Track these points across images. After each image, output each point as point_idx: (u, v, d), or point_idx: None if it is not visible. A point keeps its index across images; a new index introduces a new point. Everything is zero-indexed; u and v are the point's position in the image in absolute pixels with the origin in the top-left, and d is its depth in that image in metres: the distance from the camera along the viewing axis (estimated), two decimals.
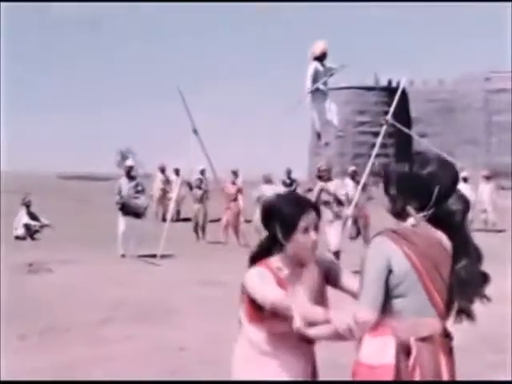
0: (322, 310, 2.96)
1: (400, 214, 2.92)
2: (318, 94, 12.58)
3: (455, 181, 2.89)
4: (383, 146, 14.86)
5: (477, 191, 22.42)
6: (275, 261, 3.23)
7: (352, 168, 18.52)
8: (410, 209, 2.86)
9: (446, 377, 2.80)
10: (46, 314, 8.40)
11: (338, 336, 2.83)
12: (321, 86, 12.53)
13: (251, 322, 3.26)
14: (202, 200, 18.46)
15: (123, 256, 14.16)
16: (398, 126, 15.06)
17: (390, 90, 49.64)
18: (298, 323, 2.87)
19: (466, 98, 51.56)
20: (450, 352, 2.88)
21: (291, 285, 3.14)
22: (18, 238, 17.25)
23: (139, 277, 11.53)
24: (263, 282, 3.12)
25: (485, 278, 2.94)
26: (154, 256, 13.64)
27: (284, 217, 3.14)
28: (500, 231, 20.85)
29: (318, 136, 13.15)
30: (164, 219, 22.15)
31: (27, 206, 18.10)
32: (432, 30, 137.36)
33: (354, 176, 17.49)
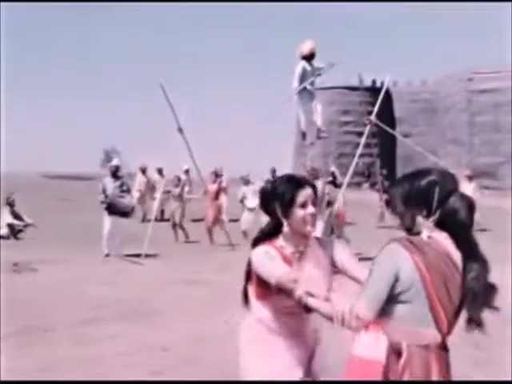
0: (326, 288, 3.15)
1: (411, 229, 2.99)
2: (305, 94, 12.58)
3: (455, 185, 2.97)
4: (367, 145, 14.89)
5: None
6: (279, 241, 3.37)
7: (332, 168, 18.62)
8: (419, 218, 2.93)
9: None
10: (30, 313, 8.39)
11: (331, 317, 2.94)
12: (308, 86, 12.55)
13: (258, 300, 3.40)
14: (180, 198, 18.36)
15: (107, 255, 14.11)
16: (382, 125, 15.11)
17: (374, 91, 49.69)
18: (299, 291, 3.02)
19: (449, 99, 51.75)
20: (444, 364, 2.91)
21: (295, 261, 3.30)
22: (1, 237, 17.10)
23: (123, 276, 11.53)
24: (269, 259, 3.25)
25: (493, 289, 2.94)
26: (138, 256, 13.66)
27: (282, 194, 3.31)
28: (483, 230, 20.97)
29: (303, 136, 13.14)
30: (144, 219, 22.17)
31: (11, 205, 18.03)
32: (415, 31, 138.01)
33: (334, 176, 17.60)
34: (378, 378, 2.82)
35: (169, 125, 14.67)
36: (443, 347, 2.92)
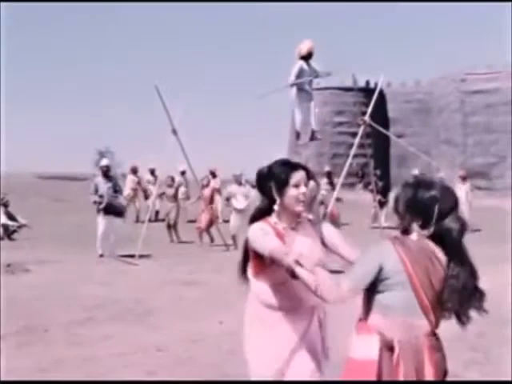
0: (314, 262, 3.26)
1: (406, 230, 3.24)
2: (303, 94, 12.56)
3: (454, 204, 3.22)
4: (361, 146, 14.93)
5: None
6: (272, 218, 3.68)
7: (327, 169, 18.65)
8: (415, 226, 3.20)
9: (429, 372, 3.09)
10: (24, 314, 8.39)
11: (311, 286, 3.20)
12: (306, 87, 12.54)
13: (255, 275, 3.70)
14: (174, 199, 18.35)
15: (102, 256, 14.12)
16: (376, 126, 15.16)
17: (367, 91, 49.74)
18: (289, 259, 3.27)
19: (443, 99, 51.83)
20: (435, 349, 3.16)
21: (288, 236, 3.58)
22: None
23: (118, 277, 11.54)
24: (263, 233, 3.56)
25: (481, 294, 3.21)
26: (132, 256, 13.69)
27: (278, 174, 3.64)
28: (476, 231, 21.06)
29: (297, 135, 13.14)
30: (138, 220, 22.20)
31: (5, 205, 18.05)
32: (409, 32, 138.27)
33: (330, 176, 17.63)
34: (373, 376, 3.04)
35: (164, 126, 14.69)
36: (433, 334, 3.18)
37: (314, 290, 3.16)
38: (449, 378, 5.97)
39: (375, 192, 17.49)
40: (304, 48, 12.44)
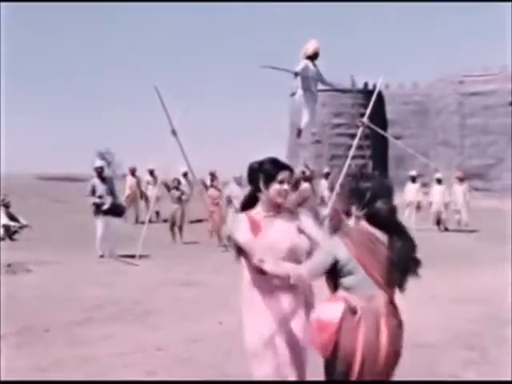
0: (287, 246, 4.18)
1: (348, 213, 3.95)
2: (308, 95, 12.52)
3: (386, 192, 3.93)
4: (360, 147, 14.97)
5: (451, 192, 22.76)
6: (257, 207, 4.35)
7: (326, 170, 18.70)
8: (353, 209, 3.90)
9: (384, 334, 3.68)
10: (25, 314, 8.42)
11: (281, 276, 3.98)
12: (312, 87, 12.50)
13: (245, 256, 4.24)
14: (179, 201, 18.43)
15: (102, 256, 14.17)
16: (374, 127, 15.16)
17: (366, 93, 49.84)
18: (254, 259, 4.00)
19: (441, 101, 51.86)
20: (392, 315, 3.78)
21: (266, 223, 4.26)
22: None
23: (118, 277, 11.56)
24: (239, 227, 4.25)
25: (417, 262, 3.86)
26: (132, 256, 13.73)
27: (266, 170, 4.28)
28: (473, 231, 21.13)
29: (299, 133, 13.09)
30: (137, 221, 22.25)
31: (6, 206, 18.11)
32: (408, 34, 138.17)
33: (328, 177, 17.67)
34: (333, 333, 3.67)
35: (164, 127, 14.69)
36: (391, 303, 3.80)
37: (285, 277, 3.91)
38: (447, 378, 6.04)
39: None
40: (310, 48, 12.39)
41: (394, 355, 3.77)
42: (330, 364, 3.78)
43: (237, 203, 16.36)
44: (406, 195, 23.01)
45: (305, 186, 12.58)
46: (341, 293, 3.79)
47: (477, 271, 11.90)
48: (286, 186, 4.27)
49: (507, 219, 21.23)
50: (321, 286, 4.10)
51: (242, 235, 4.19)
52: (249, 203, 4.41)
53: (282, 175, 4.26)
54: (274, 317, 4.21)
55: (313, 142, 13.02)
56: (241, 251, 4.23)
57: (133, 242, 14.50)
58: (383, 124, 47.39)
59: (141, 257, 13.63)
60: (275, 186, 4.24)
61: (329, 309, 3.76)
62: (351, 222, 3.92)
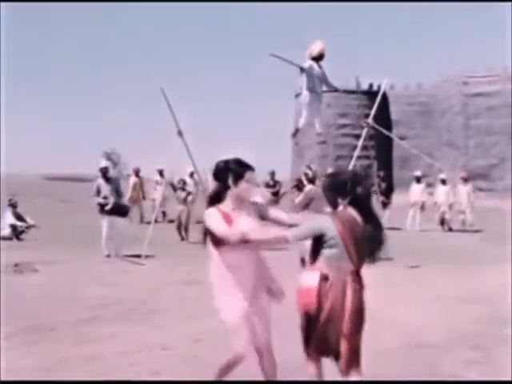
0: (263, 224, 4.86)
1: (334, 204, 4.76)
2: (313, 95, 12.52)
3: (361, 181, 4.80)
4: (364, 148, 14.97)
5: (455, 192, 22.77)
6: (225, 202, 4.87)
7: (330, 170, 18.68)
8: (339, 199, 4.71)
9: (349, 299, 4.57)
10: (31, 313, 8.48)
11: (267, 241, 4.74)
12: (317, 89, 12.51)
13: (215, 244, 4.85)
14: (185, 201, 18.49)
15: (108, 256, 14.25)
16: (379, 128, 15.21)
17: (371, 94, 49.84)
18: (242, 229, 4.57)
19: (445, 102, 51.78)
20: (356, 283, 4.65)
21: (235, 215, 4.78)
22: (4, 238, 17.27)
23: (123, 277, 11.63)
24: (215, 219, 4.77)
25: (381, 241, 4.73)
26: (138, 256, 13.79)
27: (236, 169, 4.84)
28: (477, 231, 21.14)
29: (296, 132, 13.06)
30: (142, 221, 22.32)
31: (13, 206, 18.19)
32: (412, 35, 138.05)
33: None
34: (314, 298, 4.54)
35: (167, 127, 14.77)
36: (357, 274, 4.68)
37: (269, 242, 4.76)
38: (449, 378, 6.06)
39: (378, 193, 17.55)
40: (316, 49, 12.39)
41: (358, 314, 4.69)
42: (308, 320, 4.66)
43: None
44: (411, 195, 23.06)
45: (309, 187, 12.56)
46: (318, 263, 4.65)
47: (481, 271, 11.92)
48: (251, 184, 4.90)
49: (509, 219, 21.24)
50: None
51: (220, 226, 4.72)
52: (216, 198, 4.91)
53: (249, 175, 4.87)
54: (246, 295, 4.83)
55: (318, 143, 12.93)
56: (216, 239, 4.79)
57: (138, 242, 14.55)
58: (388, 125, 47.33)
59: (146, 257, 13.68)
60: (243, 185, 4.83)
61: (310, 277, 4.62)
62: (340, 209, 4.73)
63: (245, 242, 4.59)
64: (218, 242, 4.78)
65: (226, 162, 4.89)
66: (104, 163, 15.54)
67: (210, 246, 4.93)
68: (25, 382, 5.92)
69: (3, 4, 46.99)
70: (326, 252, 4.61)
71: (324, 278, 4.57)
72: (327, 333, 4.61)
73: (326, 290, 4.56)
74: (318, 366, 4.79)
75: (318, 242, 4.63)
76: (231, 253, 4.79)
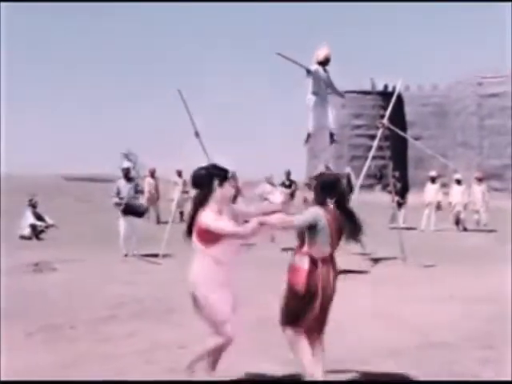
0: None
1: (322, 201, 5.49)
2: (318, 99, 12.58)
3: (340, 181, 5.86)
4: (379, 148, 14.99)
5: (470, 192, 22.76)
6: (212, 204, 5.27)
7: (347, 170, 18.70)
8: (328, 199, 5.49)
9: (332, 274, 5.42)
10: (51, 312, 8.58)
11: (279, 225, 5.46)
12: (322, 92, 12.57)
13: (207, 245, 5.24)
14: None
15: (126, 255, 14.35)
16: (394, 129, 15.23)
17: (385, 95, 49.85)
18: (260, 219, 5.26)
19: (460, 102, 51.70)
20: (333, 262, 5.50)
21: (222, 214, 5.31)
22: (23, 237, 17.44)
23: (141, 276, 11.73)
24: (216, 219, 5.20)
25: (358, 232, 5.61)
26: (155, 256, 13.89)
27: (220, 173, 5.35)
28: (491, 231, 21.09)
29: (308, 137, 13.07)
30: (159, 221, 22.43)
31: (33, 206, 18.34)
32: (427, 35, 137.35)
33: (349, 178, 17.70)
34: (304, 277, 5.28)
35: (185, 128, 14.85)
36: (331, 255, 5.48)
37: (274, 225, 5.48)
38: (465, 378, 6.08)
39: (393, 193, 17.56)
40: (321, 54, 12.43)
41: (335, 290, 5.47)
42: (295, 297, 5.35)
43: (273, 198, 16.62)
44: (426, 195, 23.05)
45: None
46: (305, 248, 5.37)
47: (495, 271, 11.91)
48: (231, 187, 5.51)
49: None
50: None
51: (224, 224, 5.22)
52: (203, 202, 5.30)
53: (232, 177, 5.51)
54: (231, 287, 5.33)
55: (330, 143, 12.92)
56: (209, 237, 5.20)
57: (155, 241, 14.64)
58: (403, 125, 47.34)
59: (164, 256, 13.77)
60: (227, 186, 5.35)
61: (301, 260, 5.35)
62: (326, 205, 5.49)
63: (258, 229, 5.22)
64: (212, 240, 5.21)
65: (207, 168, 5.47)
66: (126, 164, 15.77)
67: (197, 245, 5.30)
68: (25, 382, 5.95)
69: (3, 4, 47.00)
70: (316, 237, 5.35)
71: (312, 261, 5.33)
72: (314, 309, 5.34)
73: (315, 271, 5.32)
74: (301, 333, 5.45)
75: (311, 229, 5.35)
76: (220, 250, 5.23)
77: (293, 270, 5.39)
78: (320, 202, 5.52)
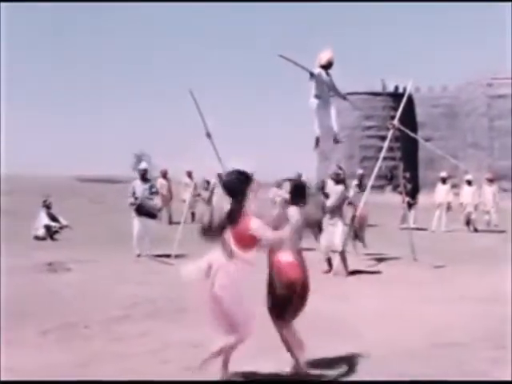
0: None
1: (297, 203, 6.12)
2: (320, 102, 12.62)
3: (307, 188, 6.69)
4: (390, 149, 15.04)
5: (480, 193, 22.78)
6: (250, 209, 5.53)
7: (360, 171, 18.76)
8: (301, 201, 6.14)
9: (305, 263, 5.94)
10: (65, 311, 8.65)
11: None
12: (324, 96, 12.62)
13: (245, 248, 5.49)
14: (209, 201, 18.62)
15: (139, 256, 14.41)
16: (405, 130, 15.26)
17: (396, 96, 49.85)
18: (280, 234, 5.64)
19: (470, 104, 51.65)
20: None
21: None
22: (38, 238, 17.50)
23: (154, 276, 11.79)
24: (264, 226, 5.47)
25: (319, 224, 7.34)
26: (168, 256, 13.94)
27: (250, 179, 5.56)
28: (502, 232, 21.08)
29: (317, 141, 13.09)
30: (171, 222, 22.51)
31: (48, 207, 18.45)
32: (436, 37, 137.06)
33: (361, 179, 17.75)
34: (298, 270, 5.75)
35: (197, 129, 14.91)
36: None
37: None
38: (476, 378, 6.12)
39: (404, 194, 17.60)
40: (324, 58, 12.45)
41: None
42: (292, 292, 5.68)
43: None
44: (437, 196, 23.08)
45: (340, 188, 12.68)
46: (284, 247, 5.77)
47: (505, 271, 11.93)
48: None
49: None
50: None
51: (270, 232, 5.55)
52: (240, 208, 5.49)
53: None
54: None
55: (334, 143, 12.96)
56: (251, 242, 5.45)
57: (167, 242, 14.70)
58: (413, 126, 47.32)
59: (176, 256, 13.85)
60: (254, 189, 5.59)
61: (285, 256, 5.77)
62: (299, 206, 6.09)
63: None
64: (251, 245, 5.48)
65: (243, 174, 5.64)
66: (144, 165, 15.88)
67: (234, 249, 5.52)
68: (25, 382, 5.97)
69: (3, 4, 47.21)
70: (294, 235, 5.83)
71: (298, 254, 5.85)
72: (301, 301, 5.81)
73: (300, 263, 5.83)
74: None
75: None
76: (253, 254, 5.52)
77: (284, 264, 5.78)
78: (296, 203, 6.14)
